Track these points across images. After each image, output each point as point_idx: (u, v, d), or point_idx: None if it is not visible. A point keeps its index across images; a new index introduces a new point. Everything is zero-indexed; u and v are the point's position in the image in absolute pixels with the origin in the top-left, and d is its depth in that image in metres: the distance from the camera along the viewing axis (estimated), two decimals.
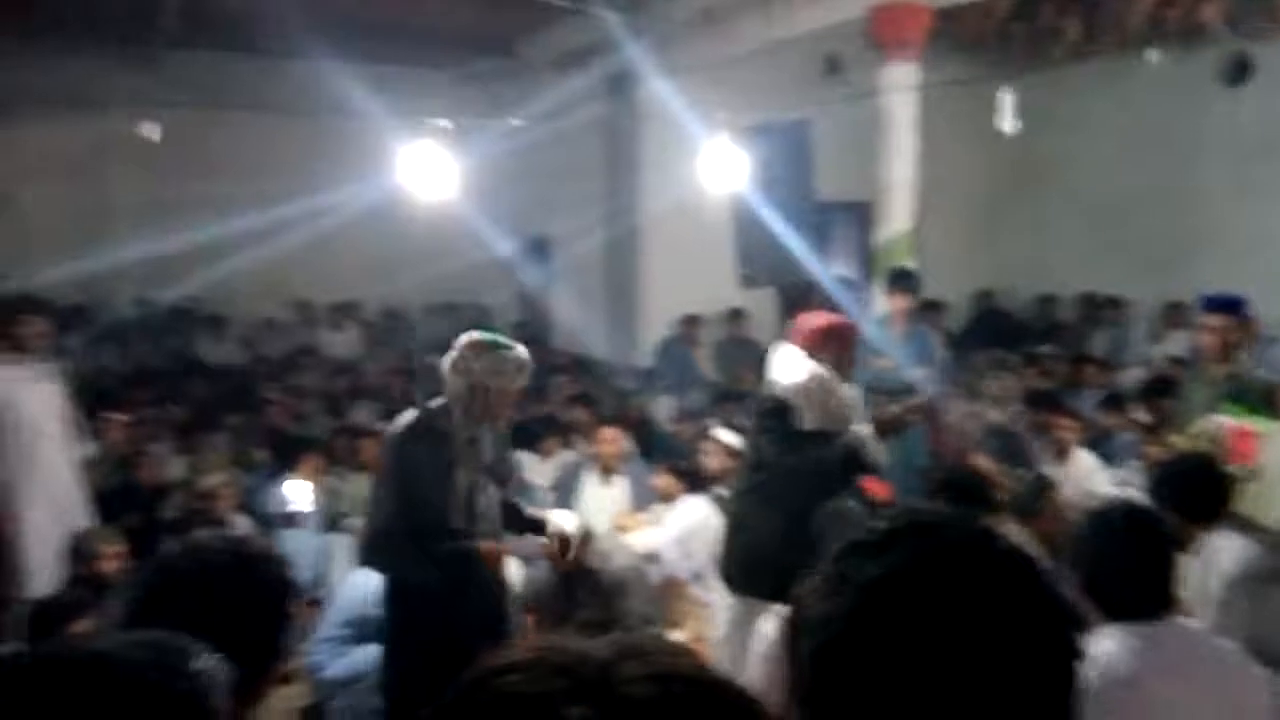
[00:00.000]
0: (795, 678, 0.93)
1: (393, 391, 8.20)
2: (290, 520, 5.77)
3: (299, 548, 5.75)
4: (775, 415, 3.69)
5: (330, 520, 6.15)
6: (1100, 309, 9.59)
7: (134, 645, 1.07)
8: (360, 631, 4.14)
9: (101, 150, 9.72)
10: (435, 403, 3.39)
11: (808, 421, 3.61)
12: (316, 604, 5.17)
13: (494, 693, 0.65)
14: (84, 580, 4.10)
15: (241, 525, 5.47)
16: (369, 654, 4.05)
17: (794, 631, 2.02)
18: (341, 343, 10.31)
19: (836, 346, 3.70)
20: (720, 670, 0.69)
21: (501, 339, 3.38)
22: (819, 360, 3.65)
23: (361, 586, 4.33)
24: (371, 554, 3.49)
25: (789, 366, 3.71)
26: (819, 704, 0.89)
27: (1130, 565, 2.18)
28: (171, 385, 8.39)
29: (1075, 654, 0.89)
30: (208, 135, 9.66)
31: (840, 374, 3.68)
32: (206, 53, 9.57)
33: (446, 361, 3.33)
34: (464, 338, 3.39)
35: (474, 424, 3.35)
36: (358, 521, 6.01)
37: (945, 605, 0.85)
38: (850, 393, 3.74)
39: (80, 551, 4.28)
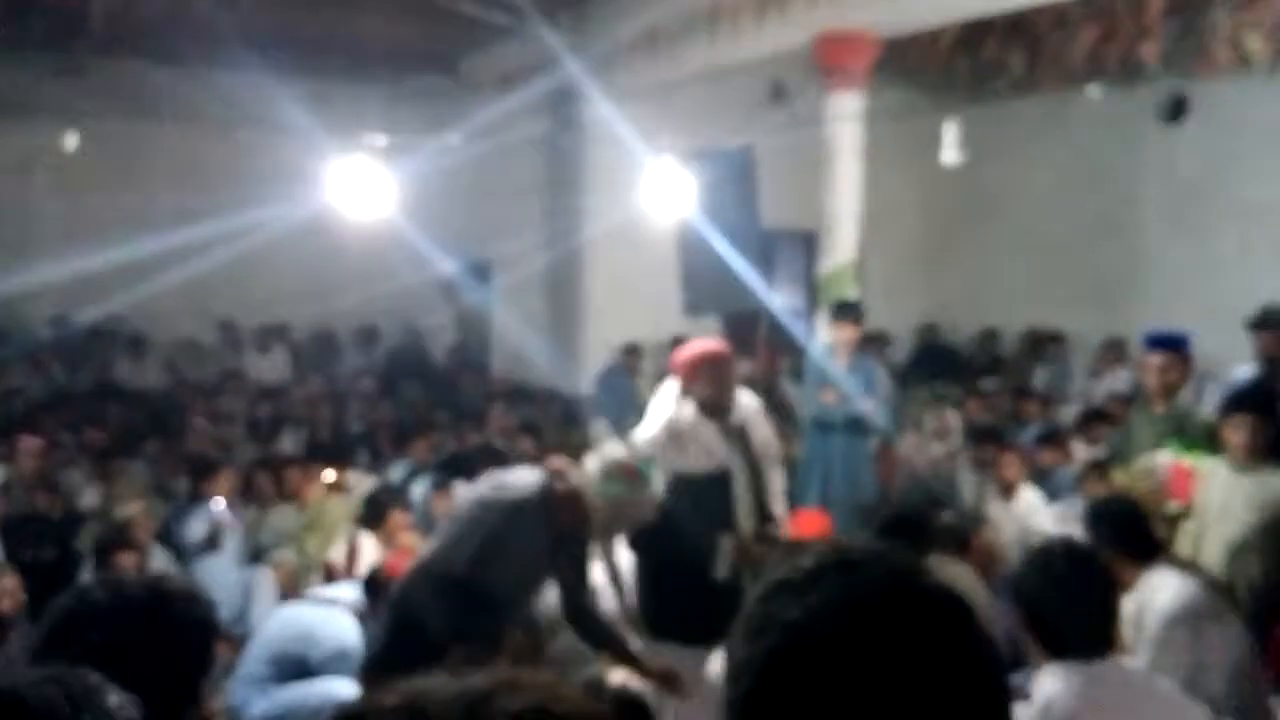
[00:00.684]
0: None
1: (320, 419, 7.92)
2: (210, 545, 5.53)
3: (219, 581, 5.51)
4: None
5: (253, 553, 5.89)
6: (1041, 344, 9.66)
7: (43, 682, 1.06)
8: (283, 670, 4.04)
9: (21, 161, 9.36)
10: (561, 484, 3.35)
11: (663, 476, 3.64)
12: (237, 641, 4.92)
13: None
14: None
15: (159, 556, 5.23)
16: (293, 694, 3.97)
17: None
18: (268, 367, 9.97)
19: (710, 377, 3.70)
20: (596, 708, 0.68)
21: (647, 464, 3.44)
22: (694, 392, 3.67)
23: (287, 624, 4.26)
24: (428, 593, 3.39)
25: (655, 410, 3.76)
26: None
27: (1073, 604, 2.23)
28: (88, 409, 8.02)
29: (1003, 695, 0.88)
30: (133, 147, 9.39)
31: (716, 404, 3.69)
32: (134, 62, 9.29)
33: (595, 464, 3.37)
34: (612, 450, 3.46)
35: (596, 536, 3.40)
36: (281, 554, 5.77)
37: (869, 646, 0.83)
38: (713, 430, 3.74)
39: None
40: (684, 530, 3.52)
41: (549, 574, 3.38)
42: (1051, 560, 2.30)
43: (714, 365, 3.76)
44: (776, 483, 3.98)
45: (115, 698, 1.09)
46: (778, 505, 4.06)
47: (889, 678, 0.82)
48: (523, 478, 3.50)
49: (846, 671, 0.82)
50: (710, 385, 3.70)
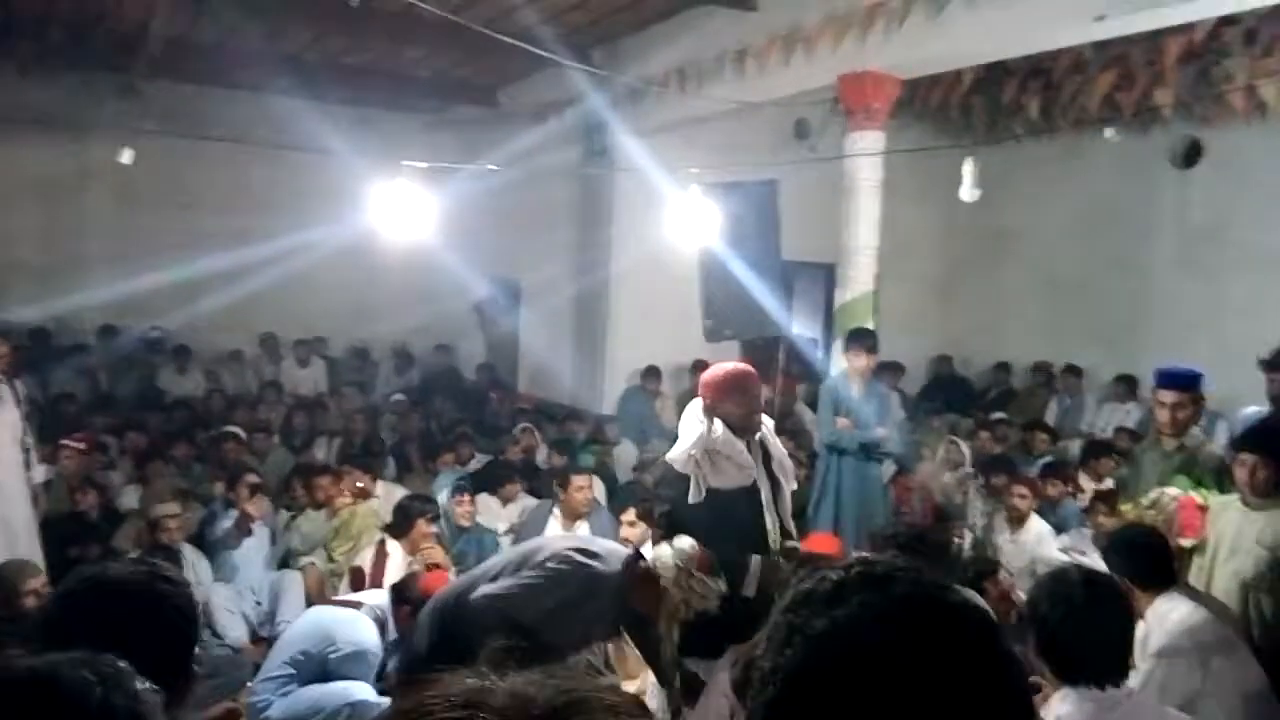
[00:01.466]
0: None
1: (353, 430, 8.18)
2: (235, 542, 5.71)
3: (250, 583, 5.74)
4: (670, 486, 3.80)
5: (283, 558, 6.12)
6: (1052, 377, 9.82)
7: (73, 664, 1.07)
8: (303, 671, 4.10)
9: (78, 176, 9.72)
10: (642, 566, 3.45)
11: (695, 494, 3.67)
12: (265, 642, 5.13)
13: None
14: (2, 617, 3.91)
15: (190, 555, 5.43)
16: (311, 694, 4.01)
17: (745, 683, 2.08)
18: (305, 378, 10.26)
19: (740, 395, 3.72)
20: None
21: (719, 569, 3.46)
22: (723, 411, 3.68)
23: (310, 625, 4.31)
24: (491, 623, 3.46)
25: (686, 429, 3.75)
26: None
27: (1090, 632, 2.22)
28: (131, 415, 8.32)
29: (1029, 714, 0.88)
30: (184, 166, 9.70)
31: (746, 422, 3.71)
32: (188, 85, 9.65)
33: (670, 553, 3.42)
34: (689, 548, 3.46)
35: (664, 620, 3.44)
36: (310, 559, 6.01)
37: (895, 658, 0.82)
38: (743, 447, 3.76)
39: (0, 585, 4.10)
40: (717, 545, 3.50)
41: (603, 638, 3.53)
42: (1070, 587, 2.29)
43: (743, 385, 3.75)
44: (788, 501, 4.00)
45: (140, 682, 1.11)
46: (790, 524, 4.08)
47: (915, 690, 0.81)
48: (610, 550, 3.60)
49: (873, 683, 0.82)
50: (739, 405, 3.70)
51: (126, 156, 8.04)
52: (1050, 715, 2.18)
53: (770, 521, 3.76)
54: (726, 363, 4.07)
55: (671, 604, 3.37)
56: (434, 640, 3.54)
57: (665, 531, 3.77)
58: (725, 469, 3.64)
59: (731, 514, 3.60)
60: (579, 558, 3.47)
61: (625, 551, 3.58)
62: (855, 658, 0.84)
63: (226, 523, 5.92)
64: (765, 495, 3.77)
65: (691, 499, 3.64)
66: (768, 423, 3.97)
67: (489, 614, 3.42)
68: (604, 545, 3.66)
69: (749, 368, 4.01)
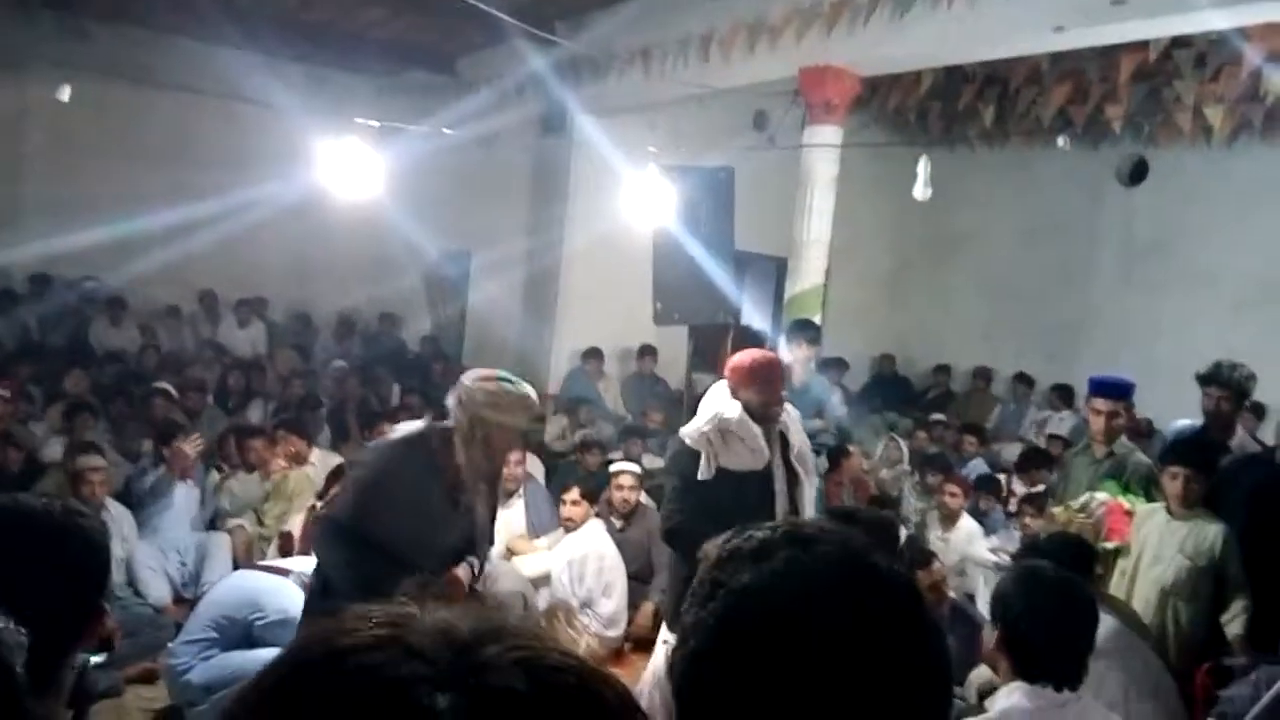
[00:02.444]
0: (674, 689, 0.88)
1: (290, 393, 8.03)
2: (158, 495, 5.60)
3: (175, 542, 5.62)
4: (679, 460, 3.77)
5: (211, 519, 6.01)
6: (986, 382, 10.04)
7: None
8: (226, 635, 4.03)
9: (14, 115, 9.33)
10: (443, 426, 3.24)
11: (705, 471, 3.63)
12: (189, 603, 5.03)
13: (343, 676, 0.55)
14: None
15: (115, 510, 5.30)
16: (233, 660, 3.94)
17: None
18: (244, 340, 10.05)
19: (761, 383, 3.69)
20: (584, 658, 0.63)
21: (508, 375, 3.27)
22: (744, 397, 3.68)
23: (235, 589, 4.25)
24: (317, 538, 3.43)
25: (705, 408, 3.75)
26: (692, 709, 0.86)
27: (1057, 633, 2.23)
28: (60, 365, 8.07)
29: (947, 678, 0.88)
30: (126, 113, 9.42)
31: (764, 410, 3.69)
32: (136, 29, 9.33)
33: (451, 396, 3.22)
34: (470, 372, 3.31)
35: (484, 465, 3.24)
36: (240, 521, 5.91)
37: (818, 613, 0.82)
38: (759, 432, 3.69)
39: None
40: (719, 523, 3.38)
41: (455, 518, 3.27)
42: (1045, 586, 2.31)
43: (766, 375, 3.73)
44: (809, 493, 3.92)
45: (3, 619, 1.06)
46: (809, 514, 3.94)
47: (836, 647, 0.81)
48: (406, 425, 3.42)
49: (793, 638, 0.82)
50: (759, 393, 3.67)
51: (64, 94, 7.76)
52: (997, 705, 2.21)
53: (781, 510, 3.71)
54: (755, 349, 4.02)
55: (471, 413, 3.12)
56: (313, 589, 3.39)
57: (672, 508, 3.76)
58: (737, 450, 3.64)
59: (738, 494, 3.56)
60: (379, 441, 3.45)
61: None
62: (777, 612, 0.83)
63: (152, 479, 5.79)
64: (780, 484, 3.74)
65: (701, 475, 3.62)
66: (792, 413, 3.92)
67: (320, 537, 3.33)
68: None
69: (775, 356, 4.03)
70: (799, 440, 3.86)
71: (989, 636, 2.35)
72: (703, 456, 3.64)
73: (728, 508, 3.40)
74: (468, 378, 3.23)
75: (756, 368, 3.73)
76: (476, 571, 3.45)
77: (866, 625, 0.83)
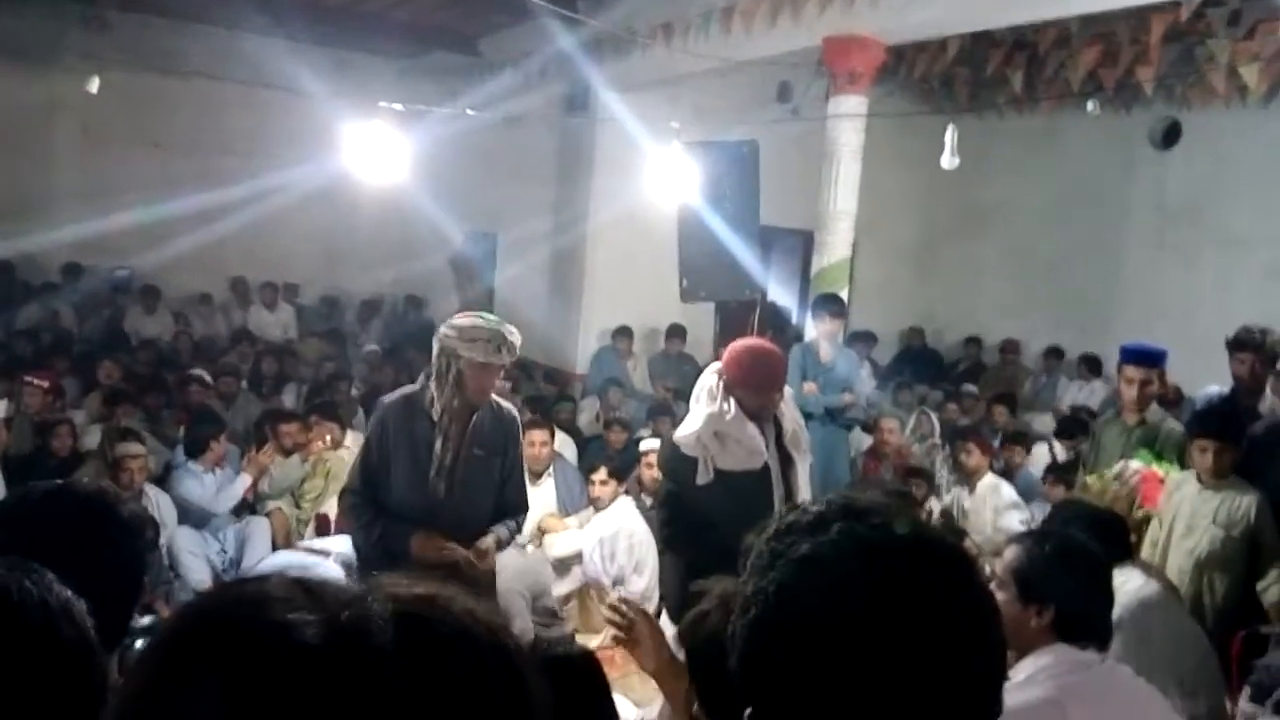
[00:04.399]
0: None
1: (322, 377, 8.11)
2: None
3: (217, 527, 5.71)
4: (676, 466, 3.58)
5: (250, 503, 6.08)
6: (1016, 353, 9.94)
7: (15, 574, 1.06)
8: None
9: (44, 109, 9.48)
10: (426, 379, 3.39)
11: (703, 475, 3.48)
12: None
13: (236, 608, 0.63)
14: None
15: (154, 495, 5.38)
16: None
17: (690, 632, 2.08)
18: (274, 323, 10.15)
19: (758, 383, 3.47)
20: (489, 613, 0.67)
21: (486, 315, 3.34)
22: (739, 394, 3.45)
23: (275, 570, 4.31)
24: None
25: (697, 405, 3.55)
26: (751, 677, 0.89)
27: (1101, 599, 2.25)
28: (96, 355, 8.19)
29: (1001, 643, 0.90)
30: (153, 103, 9.51)
31: (759, 409, 3.49)
32: (159, 19, 9.41)
33: (435, 340, 3.32)
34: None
35: (457, 401, 3.29)
36: (278, 504, 5.98)
37: (875, 580, 0.84)
38: (755, 431, 3.51)
39: None
40: (720, 526, 3.23)
41: (446, 467, 3.32)
42: (1084, 550, 2.32)
43: (764, 372, 3.49)
44: (803, 474, 3.74)
45: (64, 589, 1.10)
46: (805, 494, 3.76)
47: (893, 611, 0.83)
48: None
49: (853, 603, 0.84)
50: (757, 392, 3.44)
51: (93, 85, 7.84)
52: (1028, 667, 2.21)
53: (778, 498, 3.56)
54: (752, 339, 3.84)
55: (447, 352, 3.29)
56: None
57: (669, 514, 3.62)
58: (734, 450, 3.46)
59: (741, 495, 3.38)
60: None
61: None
62: (835, 579, 0.85)
63: (192, 466, 5.87)
64: (775, 472, 3.57)
65: (700, 480, 3.47)
66: (785, 393, 3.74)
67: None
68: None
69: (774, 349, 3.72)
70: (792, 423, 3.68)
71: (1008, 607, 2.32)
72: (700, 462, 3.46)
73: (726, 509, 3.30)
74: (446, 321, 3.34)
75: (755, 363, 3.48)
76: (508, 538, 3.51)
77: (923, 590, 0.85)
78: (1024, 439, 6.60)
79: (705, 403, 3.50)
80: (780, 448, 3.63)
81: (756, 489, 3.48)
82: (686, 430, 3.51)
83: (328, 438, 6.28)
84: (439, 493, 3.36)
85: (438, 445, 3.33)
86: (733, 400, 3.45)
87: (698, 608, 2.14)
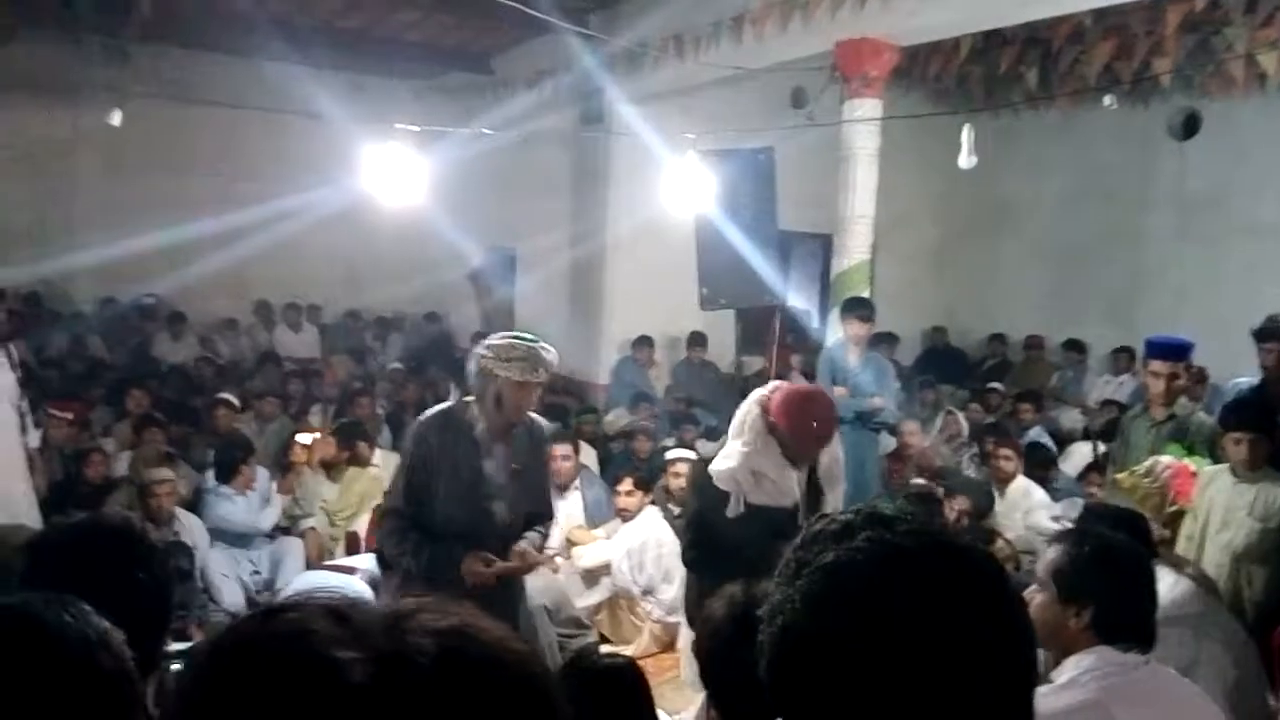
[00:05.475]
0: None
1: (349, 397, 8.15)
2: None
3: (249, 549, 5.75)
4: (706, 494, 3.55)
5: (284, 523, 6.13)
6: (1040, 349, 9.84)
7: (47, 604, 1.09)
8: None
9: (68, 140, 9.64)
10: (466, 399, 3.42)
11: (734, 509, 3.46)
12: None
13: (273, 634, 0.63)
14: None
15: (184, 519, 5.43)
16: None
17: (703, 639, 2.08)
18: (298, 344, 10.25)
19: (801, 431, 3.39)
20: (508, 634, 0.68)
21: (524, 334, 3.38)
22: (782, 437, 3.40)
23: (306, 590, 4.32)
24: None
25: (735, 440, 3.50)
26: (779, 684, 0.89)
27: (1144, 601, 2.22)
28: (126, 382, 8.28)
29: (1032, 650, 0.89)
30: (174, 131, 9.63)
31: (799, 455, 3.45)
32: (178, 49, 9.56)
33: (472, 360, 3.35)
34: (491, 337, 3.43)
35: (497, 421, 3.33)
36: (311, 522, 6.03)
37: (904, 587, 0.85)
38: (792, 474, 3.48)
39: None
40: (746, 555, 3.13)
41: (495, 484, 3.35)
42: (1123, 549, 2.28)
43: (818, 431, 3.42)
44: (832, 504, 3.66)
45: (102, 620, 1.12)
46: None
47: (921, 617, 0.83)
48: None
49: (880, 609, 0.84)
50: (802, 442, 3.40)
51: (115, 118, 7.98)
52: (1070, 669, 2.18)
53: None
54: (808, 387, 3.81)
55: (486, 371, 3.28)
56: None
57: (695, 536, 3.60)
58: (768, 489, 3.45)
59: (768, 527, 3.35)
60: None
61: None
62: (863, 585, 0.85)
63: (224, 489, 5.91)
64: (803, 509, 3.53)
65: (730, 513, 3.45)
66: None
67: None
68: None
69: (828, 402, 3.66)
70: (828, 456, 3.61)
71: (1047, 608, 2.30)
72: (732, 497, 3.44)
73: (752, 539, 3.28)
74: (485, 341, 3.36)
75: (804, 422, 3.39)
76: (541, 544, 3.52)
77: (951, 596, 0.85)
78: (1045, 453, 6.52)
79: (746, 438, 3.45)
80: (813, 483, 3.59)
81: (785, 521, 3.43)
82: (722, 465, 3.48)
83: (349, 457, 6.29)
84: (501, 515, 3.39)
85: (487, 465, 3.37)
86: (774, 440, 3.41)
87: (708, 610, 2.15)
